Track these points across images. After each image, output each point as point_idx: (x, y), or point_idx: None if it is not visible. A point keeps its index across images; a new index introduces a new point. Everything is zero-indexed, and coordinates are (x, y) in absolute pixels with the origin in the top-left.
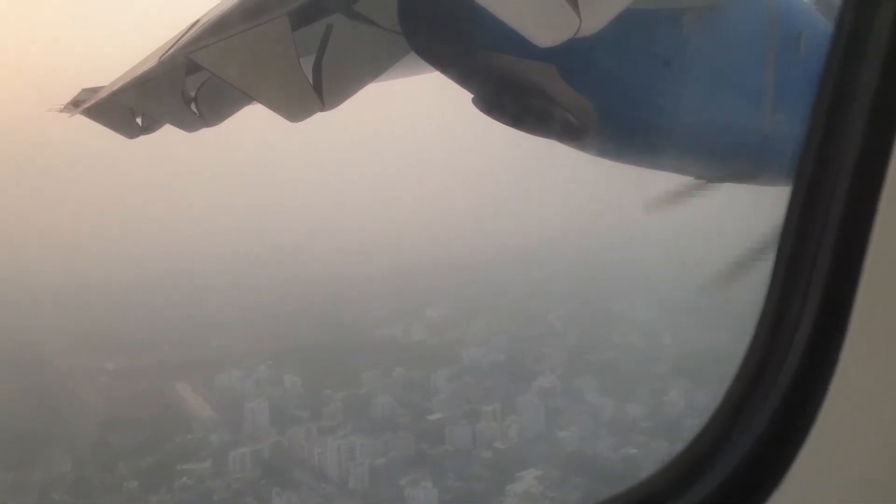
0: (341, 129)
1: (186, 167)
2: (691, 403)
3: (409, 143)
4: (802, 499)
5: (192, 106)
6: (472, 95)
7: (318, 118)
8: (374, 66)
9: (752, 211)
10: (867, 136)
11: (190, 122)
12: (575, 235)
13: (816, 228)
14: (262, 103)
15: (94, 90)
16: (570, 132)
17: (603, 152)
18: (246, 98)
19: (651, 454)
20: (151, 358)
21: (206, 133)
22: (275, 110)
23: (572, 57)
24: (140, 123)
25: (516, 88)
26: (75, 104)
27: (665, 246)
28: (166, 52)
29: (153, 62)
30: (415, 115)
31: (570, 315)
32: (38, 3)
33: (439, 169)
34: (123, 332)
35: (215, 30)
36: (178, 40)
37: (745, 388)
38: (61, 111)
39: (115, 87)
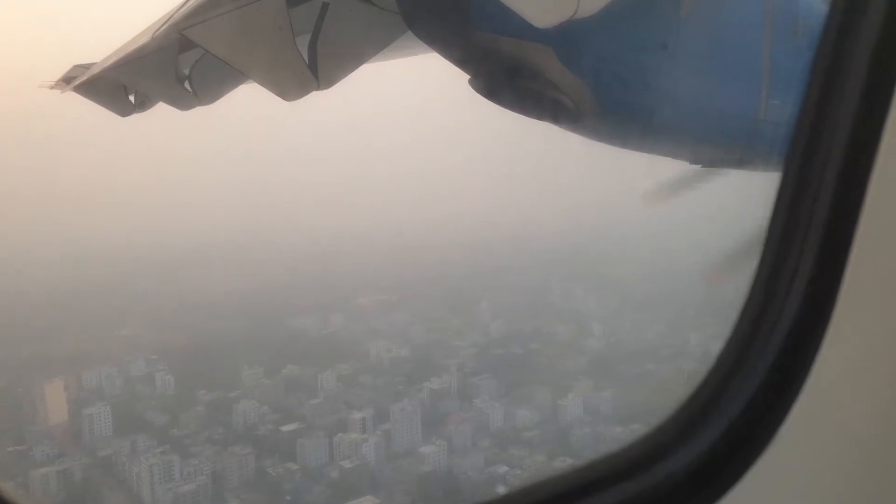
0: (332, 109)
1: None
2: (590, 408)
3: (393, 125)
4: (785, 467)
5: (186, 83)
6: (468, 77)
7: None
8: (370, 46)
9: (731, 205)
10: (857, 124)
11: (184, 100)
12: (543, 222)
13: (804, 217)
14: (256, 82)
15: (86, 66)
16: (565, 115)
17: (598, 135)
18: (240, 76)
19: (523, 473)
20: (37, 349)
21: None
22: (269, 89)
23: (570, 39)
24: (133, 101)
25: (513, 70)
26: (66, 81)
27: (634, 236)
28: (160, 27)
29: (146, 38)
30: (402, 96)
31: (503, 304)
32: None
33: (421, 152)
34: (29, 319)
35: (210, 6)
36: (172, 16)
37: (731, 361)
38: (52, 88)
39: (108, 64)
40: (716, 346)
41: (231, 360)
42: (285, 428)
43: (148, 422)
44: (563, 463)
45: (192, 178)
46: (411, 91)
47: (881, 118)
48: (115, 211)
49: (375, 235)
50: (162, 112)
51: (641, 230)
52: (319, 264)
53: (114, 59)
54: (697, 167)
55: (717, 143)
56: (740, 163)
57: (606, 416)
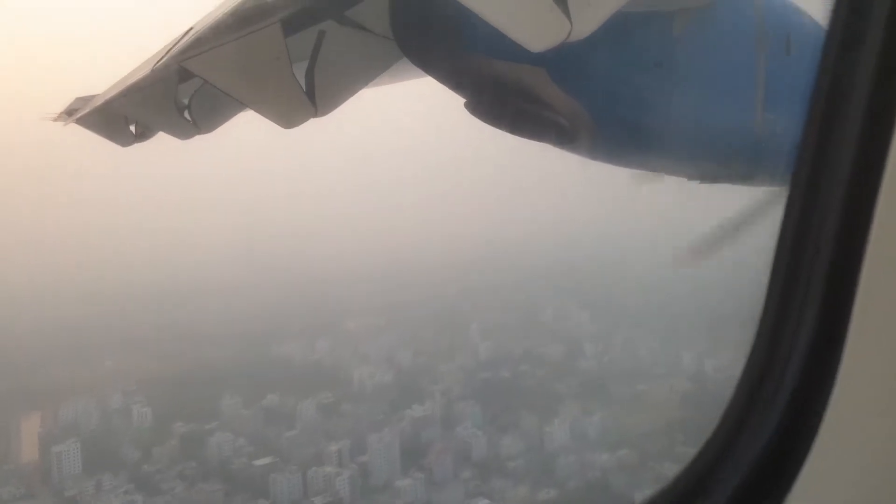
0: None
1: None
2: (578, 434)
3: (395, 149)
4: None
5: (186, 113)
6: (464, 100)
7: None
8: (366, 72)
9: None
10: (863, 141)
11: (183, 129)
12: (539, 239)
13: (812, 239)
14: (255, 110)
15: (88, 99)
16: (562, 135)
17: (595, 155)
18: (239, 105)
19: None
20: (18, 383)
21: None
22: (268, 117)
23: (563, 60)
24: (134, 131)
25: (508, 92)
26: (69, 113)
27: (629, 252)
28: (159, 60)
29: (146, 70)
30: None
31: (495, 324)
32: (32, 15)
33: (416, 174)
34: (13, 352)
35: (208, 37)
36: (171, 48)
37: (744, 404)
38: (55, 120)
39: (109, 96)
40: (709, 363)
41: (213, 389)
42: (259, 462)
43: (120, 458)
44: (546, 495)
45: (184, 203)
46: (404, 115)
47: (887, 136)
48: (108, 242)
49: (369, 257)
50: (157, 142)
51: (636, 245)
52: (312, 288)
53: (115, 91)
54: (696, 182)
55: (715, 159)
56: (738, 177)
57: (594, 443)
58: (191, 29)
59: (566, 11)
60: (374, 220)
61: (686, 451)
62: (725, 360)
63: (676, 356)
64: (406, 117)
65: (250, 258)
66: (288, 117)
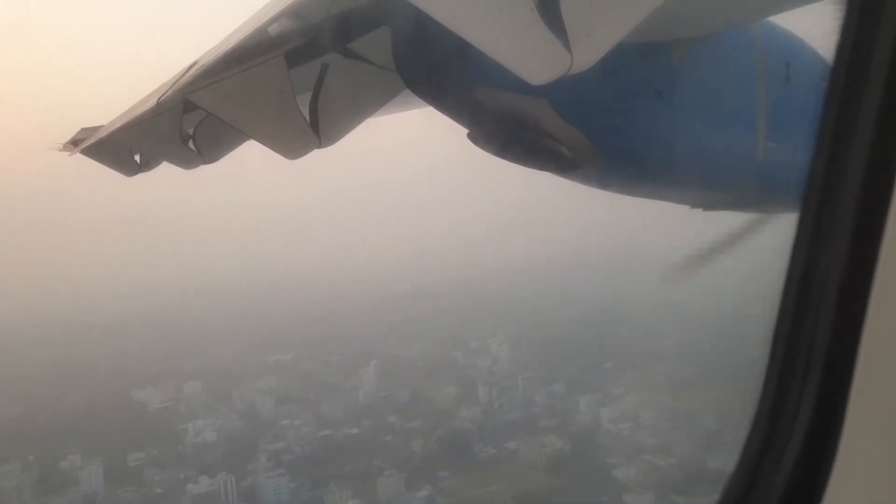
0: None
1: None
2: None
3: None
4: None
5: (190, 143)
6: (466, 130)
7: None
8: (369, 103)
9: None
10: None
11: (188, 159)
12: (491, 267)
13: (813, 308)
14: (259, 141)
15: (93, 129)
16: (564, 165)
17: (598, 183)
18: (244, 135)
19: None
20: None
21: None
22: (272, 148)
23: (565, 90)
24: (138, 161)
25: (510, 123)
26: (74, 143)
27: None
28: (165, 93)
29: (151, 103)
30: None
31: (400, 361)
32: (37, 46)
33: (403, 204)
34: None
35: (213, 70)
36: (176, 81)
37: (747, 479)
38: (60, 150)
39: (114, 127)
40: (606, 412)
41: (25, 445)
42: None
43: None
44: None
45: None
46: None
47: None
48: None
49: (310, 287)
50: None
51: (591, 280)
52: (235, 320)
53: (120, 122)
54: (698, 210)
55: (717, 187)
56: (740, 205)
57: None
58: (195, 62)
59: (567, 45)
60: (329, 250)
61: None
62: (628, 408)
63: (573, 402)
64: (406, 148)
65: (171, 289)
66: (292, 148)
